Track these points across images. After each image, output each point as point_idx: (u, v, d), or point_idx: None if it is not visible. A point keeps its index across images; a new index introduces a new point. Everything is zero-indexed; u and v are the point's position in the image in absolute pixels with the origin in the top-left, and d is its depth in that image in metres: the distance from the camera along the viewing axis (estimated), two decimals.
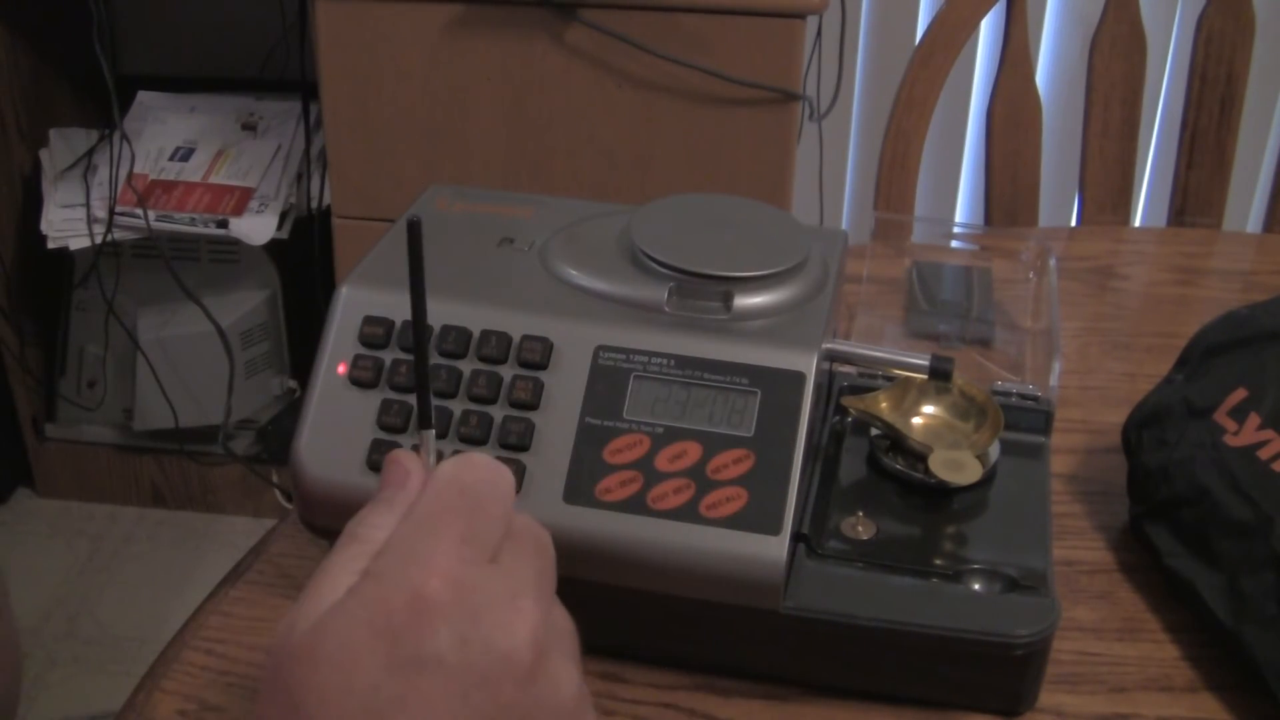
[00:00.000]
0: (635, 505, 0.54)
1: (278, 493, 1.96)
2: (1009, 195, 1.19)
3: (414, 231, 0.43)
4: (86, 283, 1.90)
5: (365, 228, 1.55)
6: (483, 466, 0.44)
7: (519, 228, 0.65)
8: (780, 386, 0.55)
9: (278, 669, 0.40)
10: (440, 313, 0.58)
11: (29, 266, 1.92)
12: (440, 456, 0.45)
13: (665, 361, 0.56)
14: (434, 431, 0.47)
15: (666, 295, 0.58)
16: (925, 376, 0.60)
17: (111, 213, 1.75)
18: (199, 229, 1.74)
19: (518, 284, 0.60)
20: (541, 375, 0.56)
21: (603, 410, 0.56)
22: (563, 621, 0.44)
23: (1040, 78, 1.57)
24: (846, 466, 0.64)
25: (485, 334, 0.57)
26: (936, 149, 1.96)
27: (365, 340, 0.58)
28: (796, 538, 0.56)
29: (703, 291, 0.58)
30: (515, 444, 0.55)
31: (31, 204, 1.88)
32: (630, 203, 0.66)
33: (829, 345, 0.60)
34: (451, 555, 0.41)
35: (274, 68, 1.88)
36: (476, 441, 0.56)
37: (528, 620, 0.41)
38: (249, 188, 1.79)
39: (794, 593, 0.55)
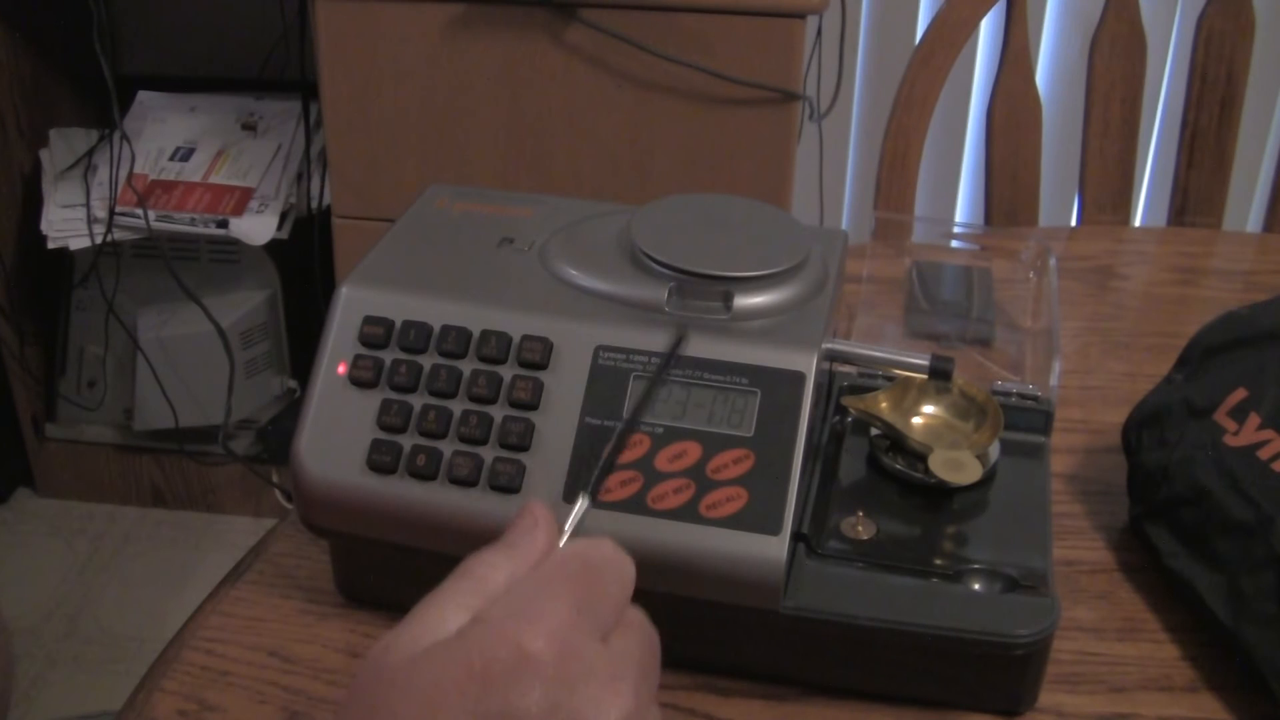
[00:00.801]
0: (635, 505, 0.54)
1: (278, 493, 1.96)
2: (1009, 195, 1.19)
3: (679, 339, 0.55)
4: (86, 283, 1.90)
5: (365, 228, 1.55)
6: (609, 548, 0.44)
7: (519, 228, 0.65)
8: (780, 386, 0.55)
9: (367, 689, 0.40)
10: (440, 313, 0.58)
11: (29, 266, 1.92)
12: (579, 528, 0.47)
13: None
14: (589, 503, 0.48)
15: (666, 295, 0.58)
16: (925, 376, 0.60)
17: (111, 213, 1.75)
18: (199, 229, 1.74)
19: (518, 284, 0.60)
20: (541, 375, 0.56)
21: (603, 410, 0.56)
22: (658, 716, 0.43)
23: (1040, 78, 1.57)
24: (846, 466, 0.64)
25: (485, 334, 0.57)
26: (936, 149, 1.96)
27: (365, 340, 0.58)
28: (796, 538, 0.56)
29: (703, 291, 0.58)
30: (515, 444, 0.55)
31: (31, 204, 1.88)
32: (630, 203, 0.66)
33: (829, 345, 0.60)
34: (564, 619, 0.41)
35: (274, 68, 1.88)
36: (476, 441, 0.56)
37: (623, 704, 0.40)
38: (249, 188, 1.79)
39: (794, 593, 0.55)
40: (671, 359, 0.53)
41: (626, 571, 0.44)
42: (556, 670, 0.39)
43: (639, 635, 0.44)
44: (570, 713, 0.39)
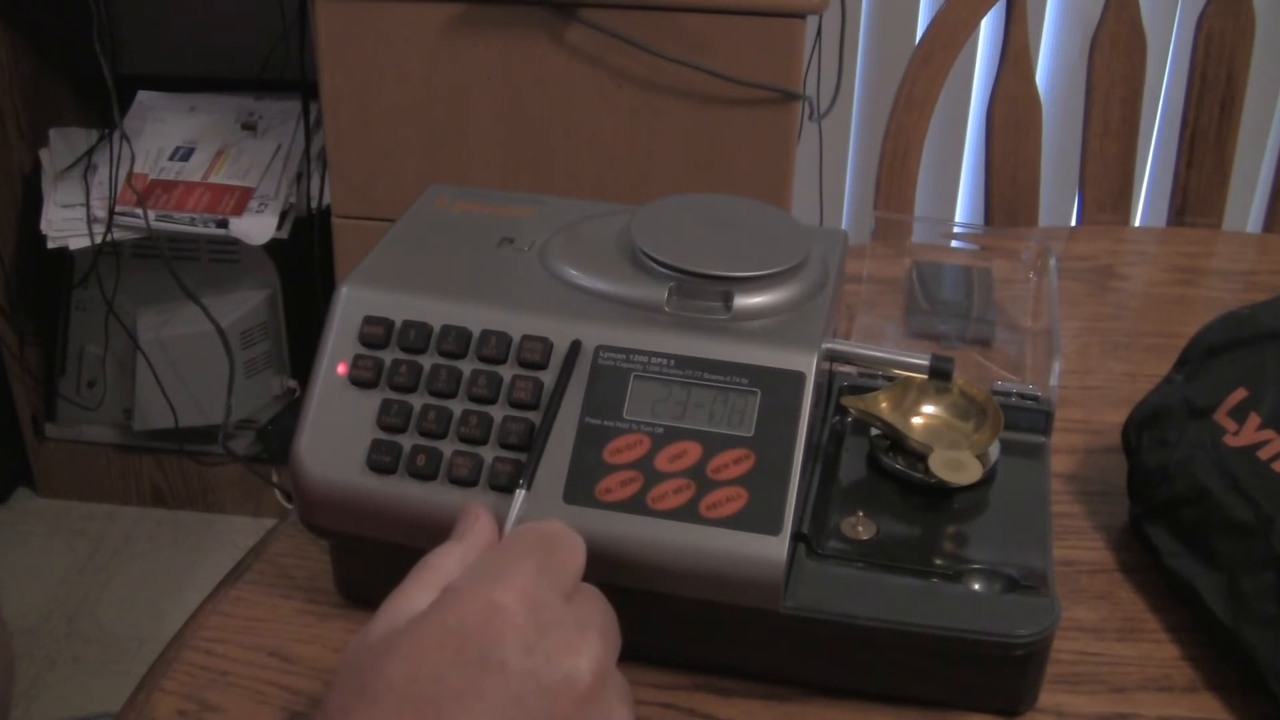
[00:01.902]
0: (635, 505, 0.54)
1: (278, 493, 1.96)
2: (1009, 195, 1.19)
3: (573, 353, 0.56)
4: (86, 282, 1.90)
5: (365, 228, 1.55)
6: (560, 525, 0.49)
7: (519, 228, 0.65)
8: (780, 386, 0.55)
9: (353, 661, 0.43)
10: (440, 313, 0.58)
11: (29, 266, 1.92)
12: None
13: (665, 361, 0.56)
14: (526, 492, 0.53)
15: (666, 295, 0.58)
16: (925, 376, 0.60)
17: (111, 212, 1.75)
18: (199, 229, 1.74)
19: (518, 284, 0.60)
20: (541, 375, 0.56)
21: (603, 410, 0.56)
22: (622, 679, 0.46)
23: (1040, 78, 1.57)
24: (846, 466, 0.64)
25: (485, 334, 0.57)
26: (936, 149, 1.96)
27: (365, 340, 0.58)
28: (796, 538, 0.56)
29: (703, 291, 0.58)
30: (515, 444, 0.55)
31: (31, 204, 1.88)
32: (630, 203, 0.66)
33: (829, 345, 0.60)
34: (529, 576, 0.44)
35: (274, 68, 1.88)
36: (476, 441, 0.56)
37: (592, 648, 0.44)
38: (249, 187, 1.79)
39: (794, 593, 0.55)
40: (572, 365, 0.56)
41: (578, 544, 0.48)
42: (526, 619, 0.43)
43: (598, 601, 0.47)
44: (545, 655, 0.42)
